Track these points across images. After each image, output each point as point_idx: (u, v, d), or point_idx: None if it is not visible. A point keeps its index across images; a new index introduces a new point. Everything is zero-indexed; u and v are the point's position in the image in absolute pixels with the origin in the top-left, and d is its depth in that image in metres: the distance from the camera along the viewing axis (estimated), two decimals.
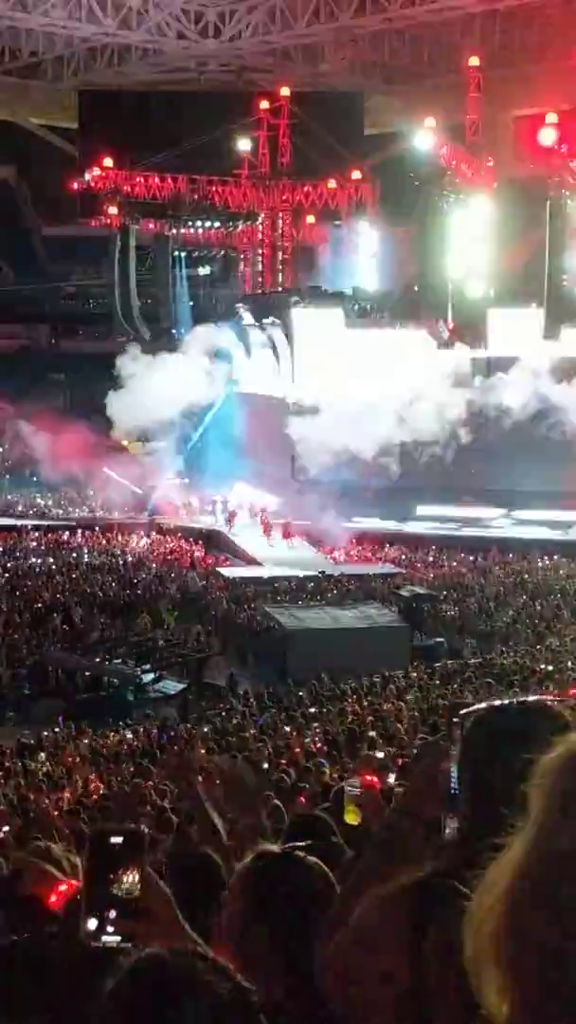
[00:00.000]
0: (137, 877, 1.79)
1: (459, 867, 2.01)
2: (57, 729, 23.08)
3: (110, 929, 1.76)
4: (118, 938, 1.75)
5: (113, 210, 56.31)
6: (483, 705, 2.20)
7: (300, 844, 3.19)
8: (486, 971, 1.27)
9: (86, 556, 40.68)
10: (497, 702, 2.17)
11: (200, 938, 1.87)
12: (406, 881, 2.05)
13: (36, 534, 43.99)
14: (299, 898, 2.54)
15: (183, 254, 57.37)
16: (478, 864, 1.98)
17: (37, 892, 3.50)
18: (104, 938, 1.76)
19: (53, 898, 3.38)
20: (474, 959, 1.29)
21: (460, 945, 1.93)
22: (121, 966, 1.56)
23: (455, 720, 2.16)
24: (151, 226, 57.32)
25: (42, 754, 20.30)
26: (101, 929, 1.76)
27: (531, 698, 2.20)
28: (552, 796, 1.32)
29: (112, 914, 1.76)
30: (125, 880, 1.78)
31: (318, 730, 18.79)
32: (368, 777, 4.08)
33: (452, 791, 2.14)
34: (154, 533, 44.36)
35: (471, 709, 2.17)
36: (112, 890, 1.78)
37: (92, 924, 1.76)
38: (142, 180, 56.14)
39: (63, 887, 3.43)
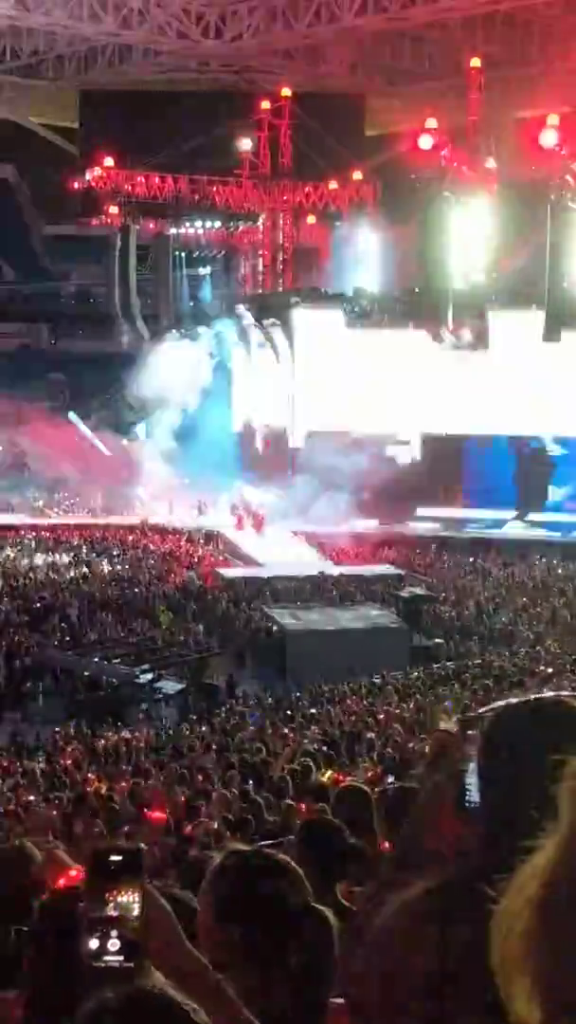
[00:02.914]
0: (137, 896, 1.77)
1: (483, 870, 1.99)
2: (57, 729, 23.03)
3: (112, 948, 1.73)
4: (120, 958, 1.73)
5: (114, 210, 56.34)
6: (500, 704, 2.16)
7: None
8: (515, 977, 1.23)
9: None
10: (514, 700, 2.13)
11: None
12: (431, 884, 2.03)
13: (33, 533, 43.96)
14: (267, 897, 2.54)
15: (183, 254, 57.33)
16: (502, 868, 1.95)
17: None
18: (106, 958, 1.73)
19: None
20: (502, 964, 1.25)
21: (486, 947, 1.92)
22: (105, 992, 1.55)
23: (468, 724, 2.12)
24: (151, 226, 57.31)
25: (41, 754, 20.25)
26: (102, 949, 1.74)
27: (547, 695, 2.16)
28: None
29: (113, 933, 1.74)
30: (124, 899, 1.76)
31: (317, 731, 18.75)
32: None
33: (467, 801, 2.09)
34: (148, 533, 44.23)
35: (486, 709, 2.13)
36: (111, 909, 1.75)
37: (93, 944, 1.74)
38: (143, 180, 56.14)
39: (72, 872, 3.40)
